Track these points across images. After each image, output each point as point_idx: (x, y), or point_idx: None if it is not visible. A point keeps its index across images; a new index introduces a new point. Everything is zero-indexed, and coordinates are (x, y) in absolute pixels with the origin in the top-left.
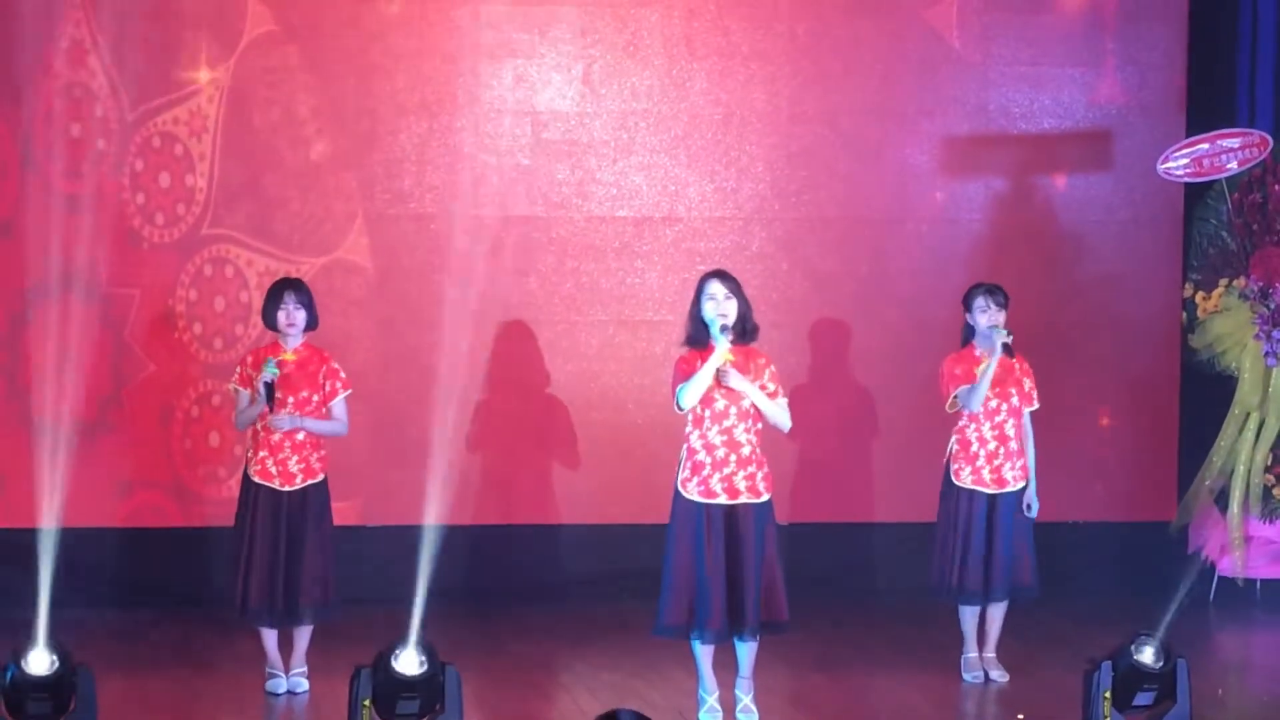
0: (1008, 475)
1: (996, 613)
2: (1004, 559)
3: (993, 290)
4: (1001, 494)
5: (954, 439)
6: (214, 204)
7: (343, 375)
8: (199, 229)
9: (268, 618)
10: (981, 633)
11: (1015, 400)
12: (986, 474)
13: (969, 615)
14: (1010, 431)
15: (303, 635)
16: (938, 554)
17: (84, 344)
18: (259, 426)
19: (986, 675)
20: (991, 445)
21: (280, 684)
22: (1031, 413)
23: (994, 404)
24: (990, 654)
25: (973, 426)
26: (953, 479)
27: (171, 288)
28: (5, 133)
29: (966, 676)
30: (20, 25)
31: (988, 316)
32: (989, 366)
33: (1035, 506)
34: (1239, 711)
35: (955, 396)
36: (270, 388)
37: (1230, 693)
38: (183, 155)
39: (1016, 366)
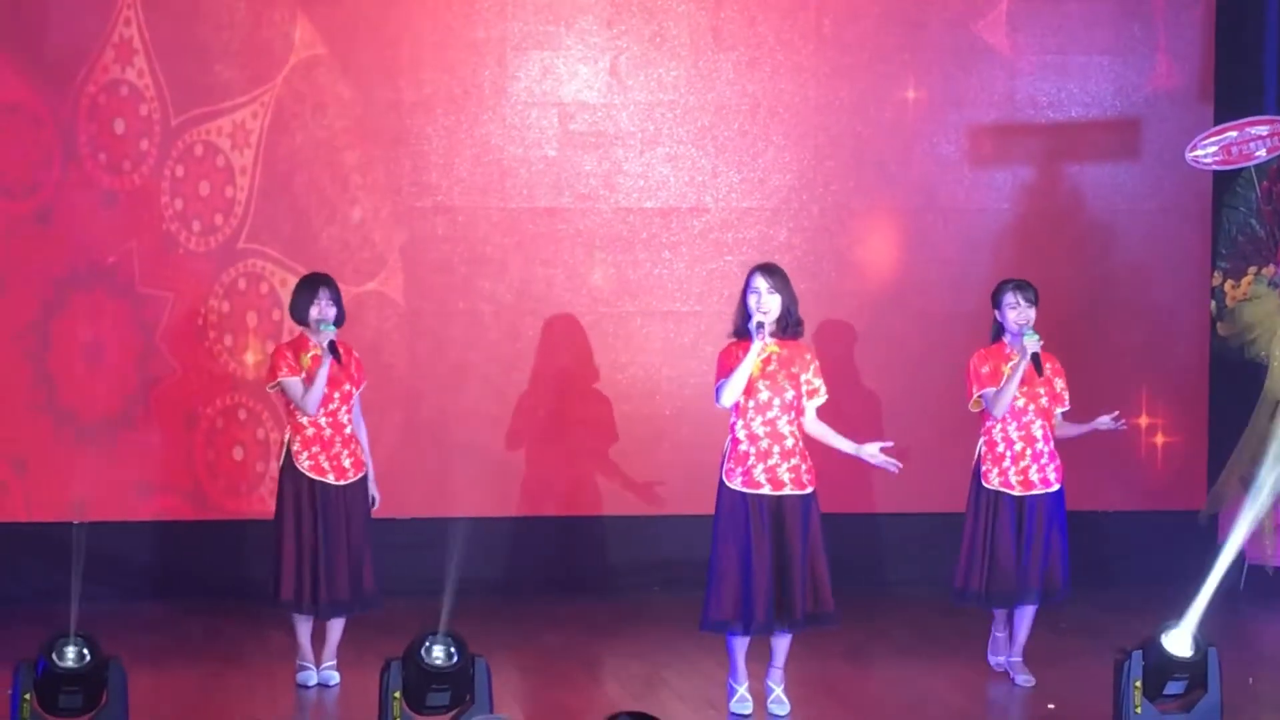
0: (1034, 478)
1: (1025, 615)
2: (1034, 563)
3: (1022, 286)
4: (1029, 496)
5: (981, 440)
6: (252, 218)
7: (362, 365)
8: (235, 241)
9: (327, 609)
10: (1009, 634)
11: (1045, 401)
12: (1013, 476)
13: (999, 616)
14: (1038, 433)
15: (335, 629)
16: (964, 558)
17: (114, 340)
18: (305, 421)
19: (1012, 678)
20: (1019, 447)
21: (311, 676)
22: (1064, 412)
23: (1021, 404)
24: (1017, 657)
25: (999, 428)
26: (981, 481)
27: (205, 296)
28: (49, 121)
29: (992, 660)
30: (70, 17)
31: (1017, 313)
32: (1016, 371)
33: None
34: (1270, 700)
35: (980, 396)
36: (334, 346)
37: (1261, 681)
38: (224, 166)
39: (1048, 366)
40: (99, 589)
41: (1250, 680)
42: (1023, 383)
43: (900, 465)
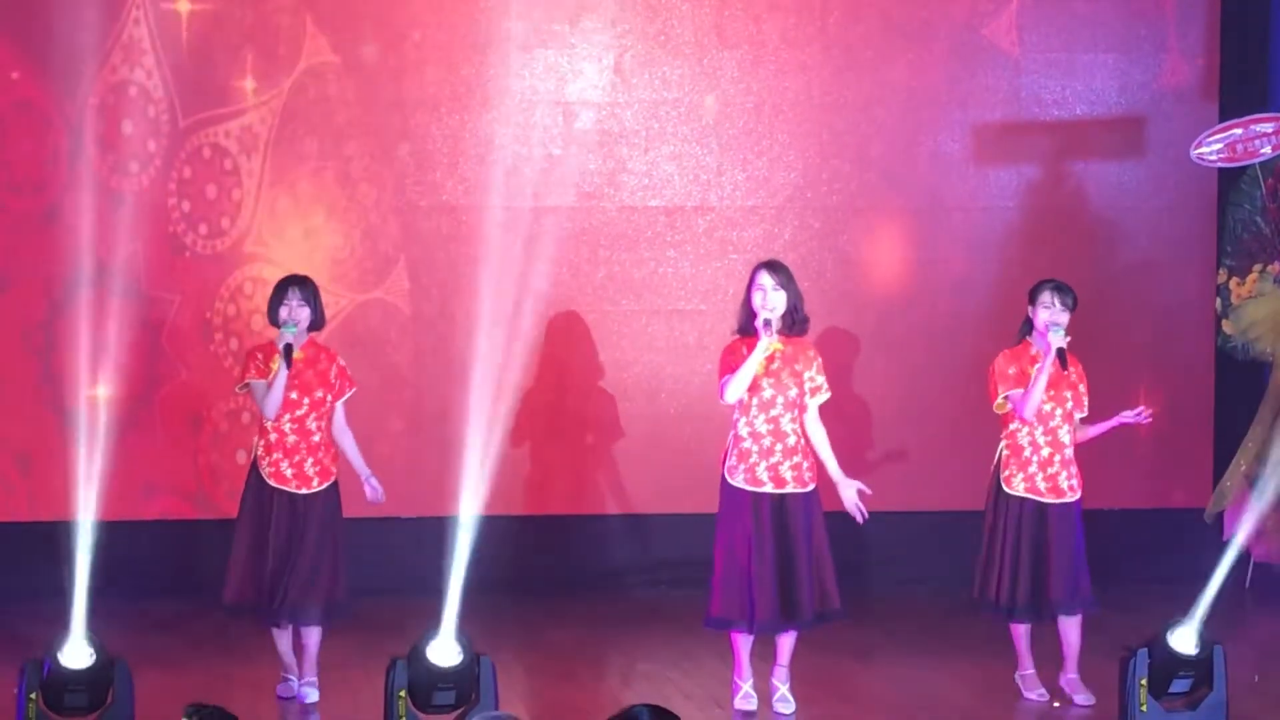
0: (1063, 484)
1: (1070, 628)
2: (1062, 571)
3: (1061, 288)
4: (1055, 504)
5: (1003, 444)
6: (259, 223)
7: (349, 374)
8: (242, 245)
9: (284, 618)
10: (1060, 653)
11: (1070, 405)
12: (1040, 481)
13: (1022, 632)
14: (1065, 438)
15: (311, 642)
16: (983, 567)
17: (120, 341)
18: (269, 426)
19: (1072, 698)
20: (1045, 452)
21: (291, 687)
22: (1082, 418)
23: (1048, 408)
24: (1073, 674)
25: (1025, 431)
26: (1003, 486)
27: (210, 300)
28: (57, 120)
29: (1030, 695)
30: (79, 16)
31: (1050, 313)
32: (1043, 369)
33: None
34: (1276, 697)
35: (1006, 398)
36: (290, 349)
37: (1267, 679)
38: (232, 170)
39: (1072, 371)
40: (104, 588)
41: (1256, 678)
42: (1050, 386)
43: (867, 516)
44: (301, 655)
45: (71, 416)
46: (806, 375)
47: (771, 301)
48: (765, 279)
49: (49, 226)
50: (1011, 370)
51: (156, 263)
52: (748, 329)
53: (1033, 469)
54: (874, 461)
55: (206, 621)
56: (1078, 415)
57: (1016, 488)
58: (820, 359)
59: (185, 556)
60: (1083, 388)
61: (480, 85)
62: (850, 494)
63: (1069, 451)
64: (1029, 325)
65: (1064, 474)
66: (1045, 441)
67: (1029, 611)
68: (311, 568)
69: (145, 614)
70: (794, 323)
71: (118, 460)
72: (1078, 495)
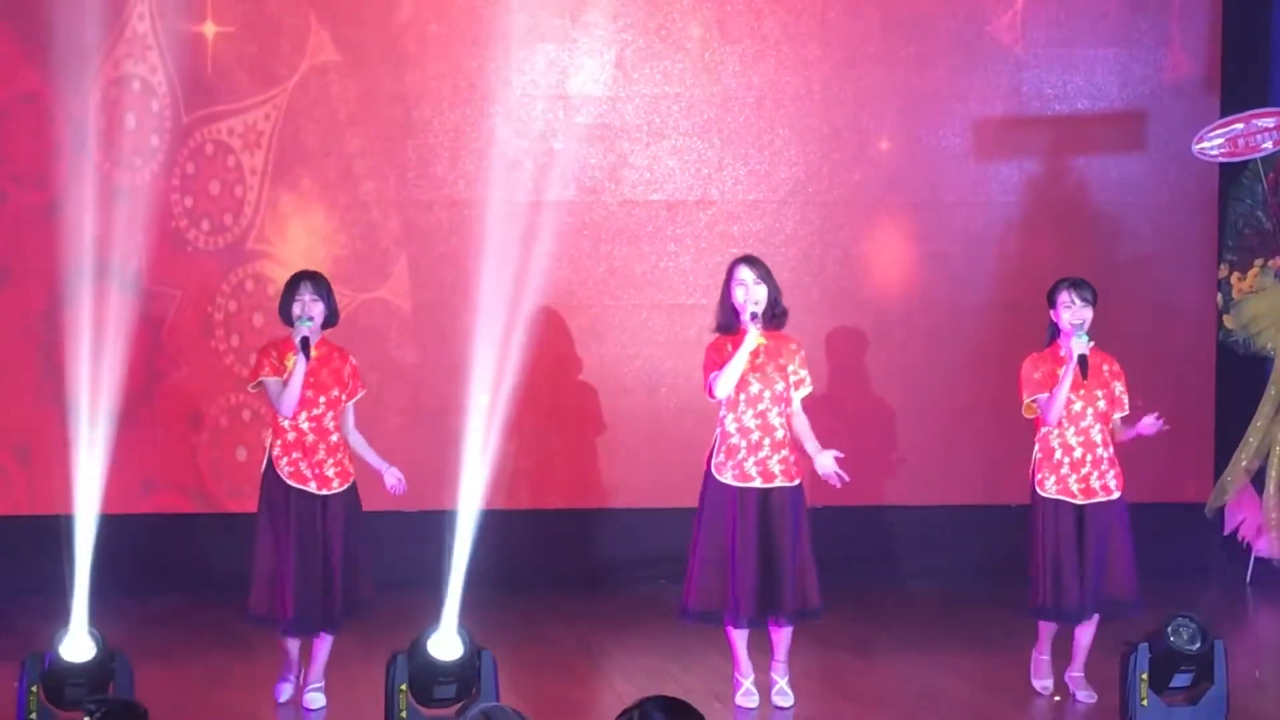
0: (1095, 484)
1: (1083, 626)
2: (1095, 574)
3: (1078, 284)
4: (1090, 504)
5: (1036, 446)
6: (262, 220)
7: (360, 375)
8: (244, 242)
9: (307, 628)
10: (1070, 649)
11: (1103, 404)
12: (1073, 483)
13: (1049, 625)
14: (1098, 438)
15: (322, 647)
16: (1031, 574)
17: (121, 336)
18: (286, 425)
19: (1074, 694)
20: (1078, 453)
21: (287, 690)
22: (1123, 417)
23: (1078, 407)
24: (1078, 672)
25: (1055, 433)
26: (1037, 489)
27: (212, 296)
28: (61, 114)
29: (1036, 684)
30: (84, 9)
31: (1071, 313)
32: (1066, 374)
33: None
34: (1276, 692)
35: (1033, 402)
36: (307, 342)
37: (1267, 673)
38: (235, 167)
39: (1105, 369)
40: (104, 582)
41: (1256, 673)
42: (1079, 385)
43: (848, 479)
44: (310, 660)
45: (72, 410)
46: (790, 369)
47: (755, 295)
48: (745, 273)
49: (51, 220)
50: (1037, 375)
51: (158, 258)
52: (730, 326)
53: (1065, 470)
54: (874, 456)
55: (206, 615)
56: (1117, 414)
57: (1049, 490)
58: (803, 352)
59: (185, 551)
60: (1120, 386)
61: (482, 80)
62: (826, 460)
63: (1102, 450)
64: (1055, 329)
65: (1096, 473)
66: (1077, 442)
67: (1075, 615)
68: (333, 578)
69: (146, 608)
70: (774, 316)
71: (118, 454)
72: (1115, 495)
